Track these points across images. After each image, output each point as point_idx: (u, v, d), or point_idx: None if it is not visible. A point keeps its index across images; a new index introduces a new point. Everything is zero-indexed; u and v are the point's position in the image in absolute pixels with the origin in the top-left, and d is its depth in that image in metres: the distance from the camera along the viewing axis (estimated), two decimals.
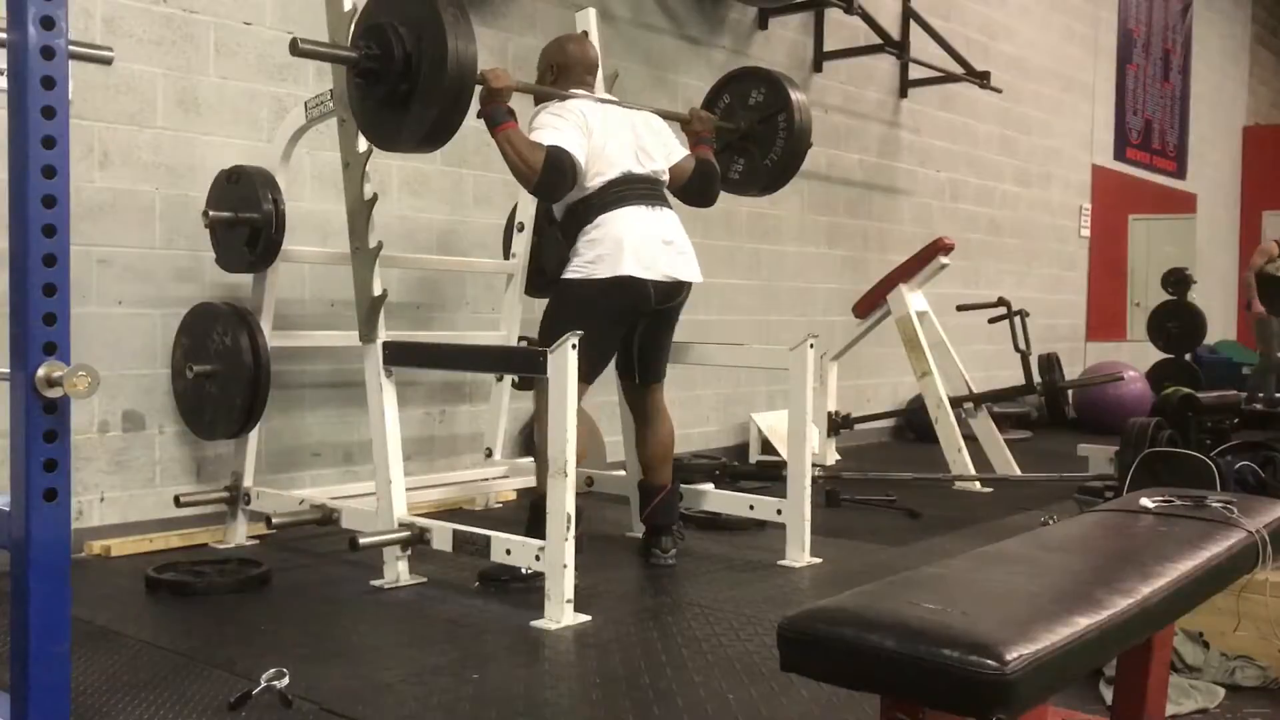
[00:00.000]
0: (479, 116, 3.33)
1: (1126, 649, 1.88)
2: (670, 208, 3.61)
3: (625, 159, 3.50)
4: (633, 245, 3.42)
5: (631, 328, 3.62)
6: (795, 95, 4.09)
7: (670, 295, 3.57)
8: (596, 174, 3.45)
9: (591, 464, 4.51)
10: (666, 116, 3.84)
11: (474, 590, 3.33)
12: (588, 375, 3.37)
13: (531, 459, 4.76)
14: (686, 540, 3.84)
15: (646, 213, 3.49)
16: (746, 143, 4.15)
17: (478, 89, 3.19)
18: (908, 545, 4.07)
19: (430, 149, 3.24)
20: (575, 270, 3.46)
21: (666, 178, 3.66)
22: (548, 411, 3.34)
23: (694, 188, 3.76)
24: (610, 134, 3.49)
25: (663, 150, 3.66)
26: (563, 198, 3.50)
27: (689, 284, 3.60)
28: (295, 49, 3.00)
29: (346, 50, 3.10)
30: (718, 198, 3.91)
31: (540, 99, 3.64)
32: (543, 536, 3.06)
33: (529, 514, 3.50)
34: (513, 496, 4.67)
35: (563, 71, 3.67)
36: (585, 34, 4.03)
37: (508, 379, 4.55)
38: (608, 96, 3.81)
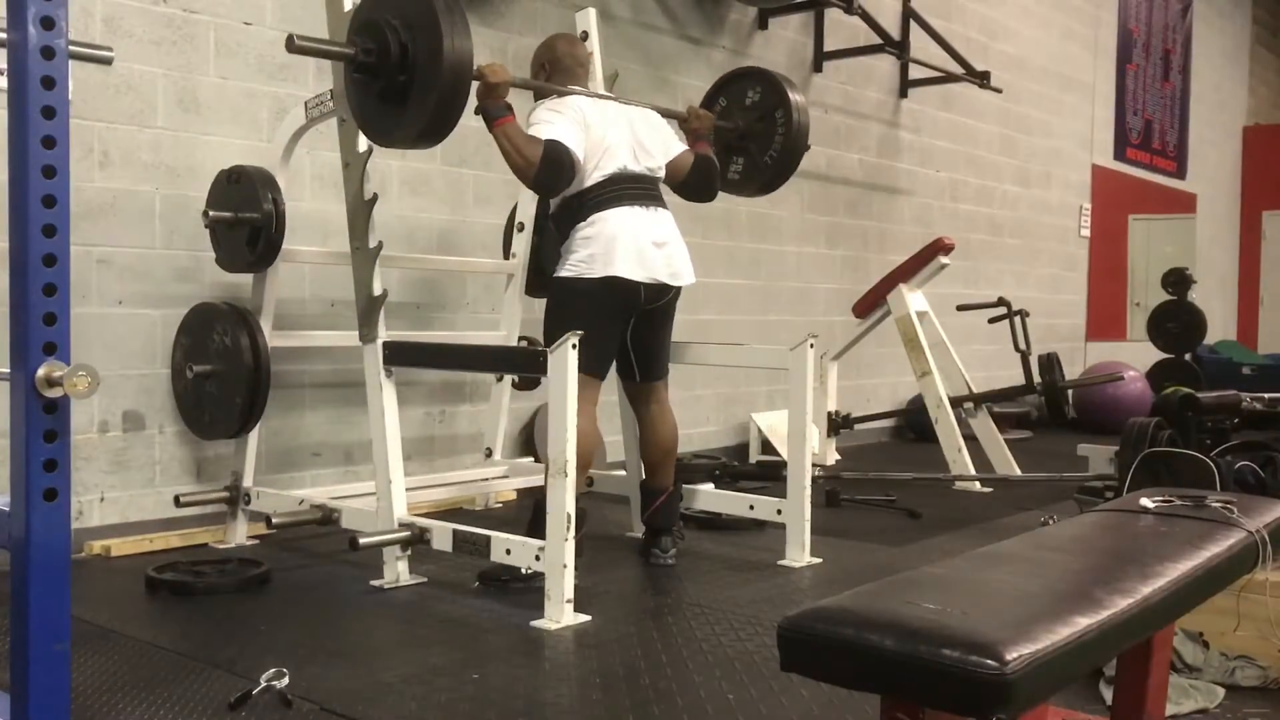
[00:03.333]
0: (476, 112, 3.33)
1: (1126, 649, 1.88)
2: (666, 208, 3.61)
3: (622, 155, 3.50)
4: (625, 246, 3.42)
5: (625, 325, 3.62)
6: (793, 93, 4.08)
7: (661, 295, 3.58)
8: (593, 169, 3.45)
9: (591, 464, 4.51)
10: (664, 114, 3.84)
11: (474, 590, 3.33)
12: (596, 370, 3.40)
13: (531, 459, 4.78)
14: (686, 540, 3.84)
15: (641, 213, 3.49)
16: (745, 141, 4.15)
17: (475, 85, 3.19)
18: (908, 545, 4.07)
19: (428, 144, 3.23)
20: (569, 268, 3.47)
21: (663, 174, 3.66)
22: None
23: (693, 183, 3.75)
24: (608, 129, 3.49)
25: (660, 146, 3.66)
26: (562, 190, 3.50)
27: (678, 290, 3.61)
28: (291, 45, 3.01)
29: (343, 46, 3.11)
30: (717, 194, 3.91)
31: (539, 95, 3.64)
32: (543, 536, 3.06)
33: (531, 513, 3.49)
34: (513, 496, 4.68)
35: (555, 69, 3.67)
36: (578, 34, 4.02)
37: (508, 379, 4.56)
38: (605, 93, 3.81)
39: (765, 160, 4.12)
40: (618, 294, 3.45)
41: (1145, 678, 2.01)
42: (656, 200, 3.59)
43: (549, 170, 3.34)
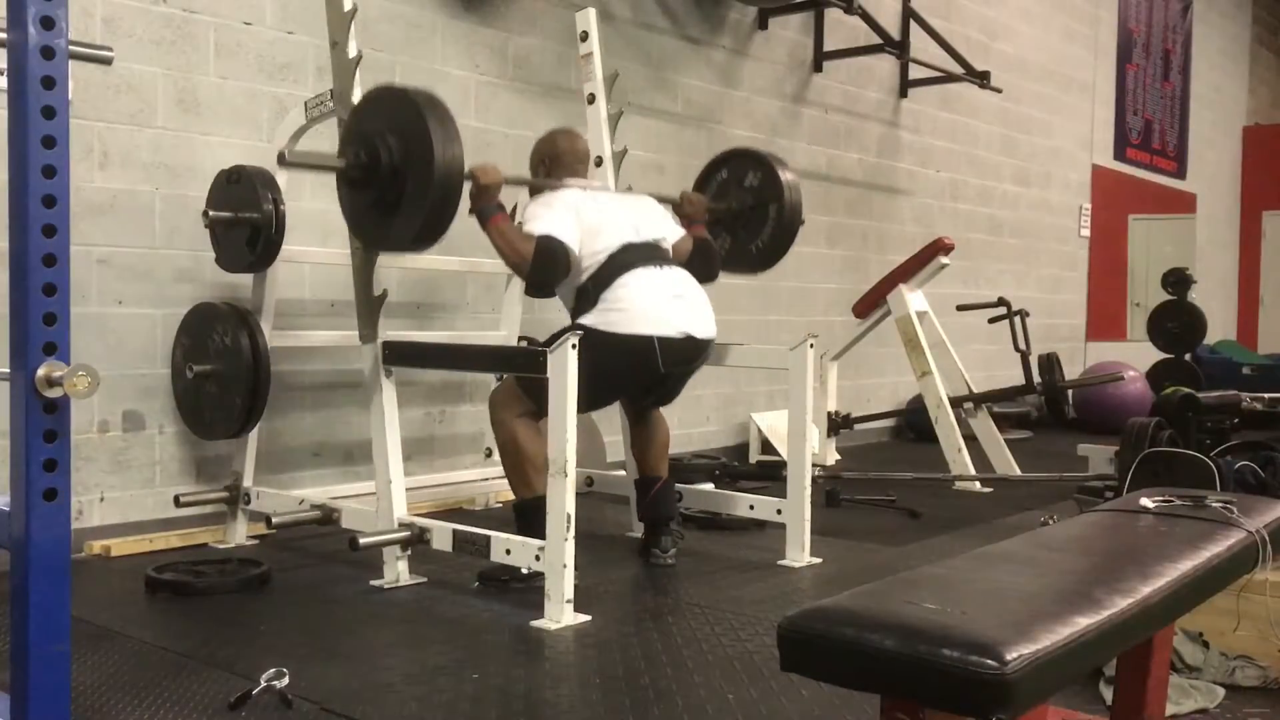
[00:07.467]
0: (470, 213, 3.36)
1: (1126, 649, 1.88)
2: (679, 268, 3.58)
3: (624, 231, 3.50)
4: (645, 305, 3.39)
5: (639, 388, 3.61)
6: (786, 178, 4.08)
7: (685, 357, 3.51)
8: (594, 253, 3.44)
9: (591, 464, 4.51)
10: (658, 199, 3.85)
11: (474, 590, 3.33)
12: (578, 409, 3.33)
13: None
14: (686, 540, 3.84)
15: (656, 272, 3.47)
16: (736, 224, 4.16)
17: (467, 184, 3.21)
18: (908, 545, 4.07)
19: (420, 250, 3.25)
20: (591, 318, 3.40)
21: (669, 246, 3.65)
22: (503, 422, 3.43)
23: (695, 267, 3.69)
24: (604, 215, 3.51)
25: (661, 226, 3.67)
26: (558, 284, 3.49)
27: (706, 344, 3.54)
28: (281, 161, 3.08)
29: (334, 161, 3.15)
30: (719, 275, 3.88)
31: (533, 191, 3.68)
32: (535, 536, 3.06)
33: (515, 520, 3.49)
34: (512, 496, 4.67)
35: (554, 164, 3.73)
36: (574, 130, 4.00)
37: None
38: (599, 184, 3.83)
39: (752, 249, 4.13)
40: (638, 356, 3.39)
41: (1145, 678, 2.01)
42: (668, 261, 3.57)
43: (542, 264, 3.35)
